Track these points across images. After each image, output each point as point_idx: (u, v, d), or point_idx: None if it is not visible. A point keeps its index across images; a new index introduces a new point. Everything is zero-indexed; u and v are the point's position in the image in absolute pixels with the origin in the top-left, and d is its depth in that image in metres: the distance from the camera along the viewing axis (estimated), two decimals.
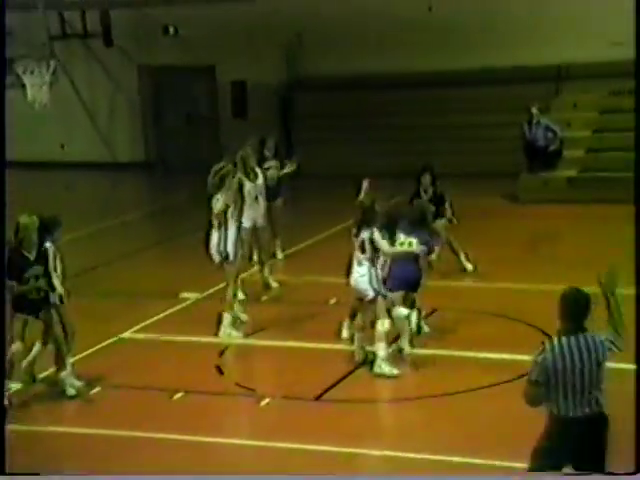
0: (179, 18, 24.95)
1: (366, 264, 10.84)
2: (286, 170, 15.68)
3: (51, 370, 10.84)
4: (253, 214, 13.74)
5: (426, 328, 11.79)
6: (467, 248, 14.56)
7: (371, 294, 10.85)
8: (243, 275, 13.58)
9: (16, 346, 10.52)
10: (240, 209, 12.56)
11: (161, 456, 9.28)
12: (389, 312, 10.97)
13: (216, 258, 12.30)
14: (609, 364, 6.77)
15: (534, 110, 20.01)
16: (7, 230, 10.34)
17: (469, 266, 14.53)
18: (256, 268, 14.53)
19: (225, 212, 12.16)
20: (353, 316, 11.43)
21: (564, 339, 6.63)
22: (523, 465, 8.39)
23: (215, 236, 12.22)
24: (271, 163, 15.38)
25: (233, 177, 12.51)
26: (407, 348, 11.16)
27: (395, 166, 19.88)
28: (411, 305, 11.34)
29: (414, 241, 11.22)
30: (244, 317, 12.62)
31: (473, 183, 20.11)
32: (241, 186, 13.10)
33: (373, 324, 10.93)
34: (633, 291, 8.54)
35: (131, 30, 25.72)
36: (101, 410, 10.36)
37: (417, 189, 14.03)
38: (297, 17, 23.91)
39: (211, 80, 25.94)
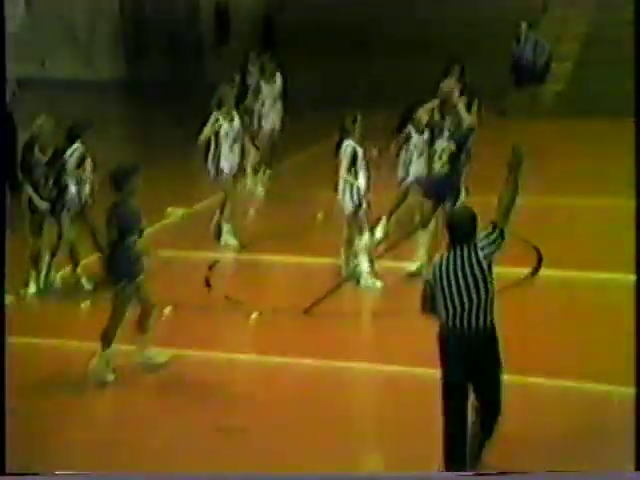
0: None
1: (344, 178, 10.79)
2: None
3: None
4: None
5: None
6: None
7: (350, 208, 10.82)
8: None
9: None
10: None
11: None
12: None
13: (212, 171, 12.39)
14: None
15: (523, 25, 19.89)
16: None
17: None
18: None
19: (218, 131, 12.22)
20: None
21: (446, 256, 6.73)
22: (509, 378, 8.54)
23: (211, 152, 12.35)
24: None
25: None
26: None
27: (379, 88, 19.75)
28: None
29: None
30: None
31: None
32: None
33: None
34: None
35: None
36: (90, 325, 10.33)
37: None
38: None
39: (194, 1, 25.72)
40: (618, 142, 16.91)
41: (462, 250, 6.68)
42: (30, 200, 10.77)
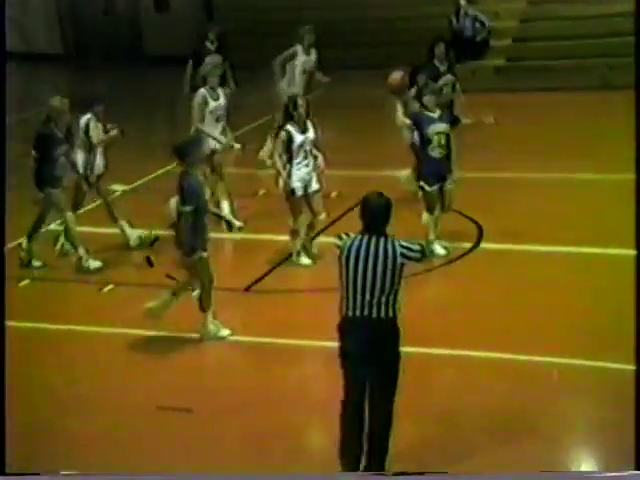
0: None
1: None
2: None
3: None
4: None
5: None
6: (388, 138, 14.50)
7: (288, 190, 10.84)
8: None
9: (70, 215, 11.16)
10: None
11: (93, 349, 9.31)
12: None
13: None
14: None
15: (462, 1, 20.01)
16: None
17: None
18: None
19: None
20: None
21: (357, 238, 6.58)
22: (455, 352, 8.68)
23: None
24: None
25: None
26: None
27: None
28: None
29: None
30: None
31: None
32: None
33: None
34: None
35: None
36: (29, 303, 10.28)
37: (430, 60, 13.33)
38: None
39: None
40: (558, 115, 17.20)
41: (376, 238, 6.53)
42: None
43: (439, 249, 10.87)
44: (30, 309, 10.06)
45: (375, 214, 6.59)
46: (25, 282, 10.81)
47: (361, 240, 6.56)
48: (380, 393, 6.66)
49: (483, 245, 11.25)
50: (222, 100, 12.33)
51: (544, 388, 8.09)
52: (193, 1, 24.69)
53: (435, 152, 10.64)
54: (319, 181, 10.84)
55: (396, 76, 12.12)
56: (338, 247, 6.62)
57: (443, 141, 10.64)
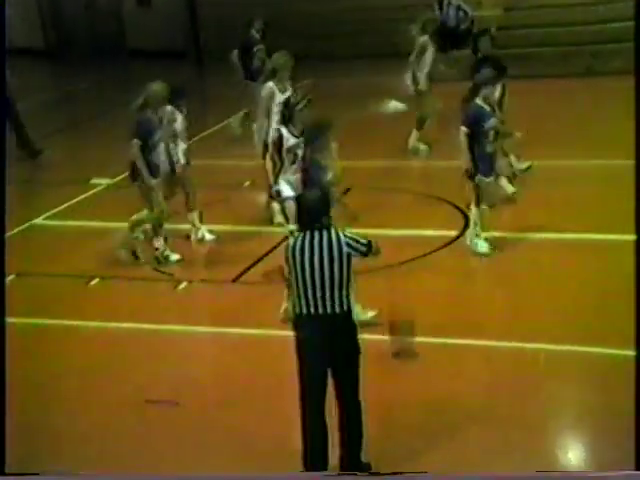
0: None
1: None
2: None
3: None
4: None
5: None
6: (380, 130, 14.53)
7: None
8: None
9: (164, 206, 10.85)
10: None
11: (80, 344, 9.24)
12: None
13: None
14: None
15: None
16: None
17: None
18: None
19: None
20: None
21: (300, 236, 6.50)
22: (437, 340, 8.65)
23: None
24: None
25: None
26: None
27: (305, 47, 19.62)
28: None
29: None
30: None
31: (385, 63, 19.97)
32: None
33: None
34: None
35: None
36: (15, 298, 10.17)
37: (475, 53, 13.18)
38: None
39: None
40: (542, 102, 17.19)
41: (319, 232, 6.44)
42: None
43: (482, 246, 10.68)
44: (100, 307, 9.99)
45: (311, 209, 6.53)
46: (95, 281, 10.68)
47: (304, 237, 6.48)
48: (346, 388, 6.58)
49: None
50: (289, 94, 11.77)
51: (546, 375, 8.08)
52: None
53: (489, 147, 10.52)
54: None
55: None
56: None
57: (494, 136, 10.53)
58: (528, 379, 8.02)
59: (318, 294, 6.41)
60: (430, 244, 10.86)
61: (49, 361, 8.89)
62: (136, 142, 10.49)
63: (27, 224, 12.14)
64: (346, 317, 6.49)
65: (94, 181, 13.88)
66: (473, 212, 10.64)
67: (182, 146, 11.28)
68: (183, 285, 10.32)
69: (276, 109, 11.48)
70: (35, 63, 25.23)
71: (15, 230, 11.89)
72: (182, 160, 11.23)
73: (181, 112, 11.27)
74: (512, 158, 12.44)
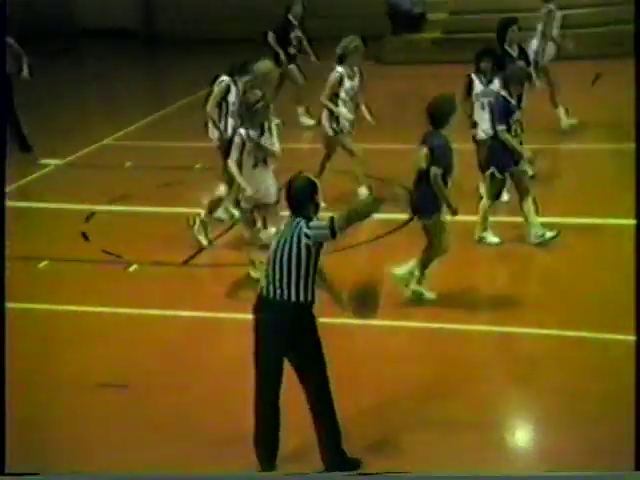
0: None
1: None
2: None
3: None
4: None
5: None
6: None
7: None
8: None
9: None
10: None
11: (29, 327, 9.14)
12: None
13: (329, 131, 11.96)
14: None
15: None
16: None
17: None
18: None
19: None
20: None
21: (287, 221, 6.59)
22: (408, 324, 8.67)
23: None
24: None
25: None
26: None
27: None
28: None
29: None
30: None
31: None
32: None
33: None
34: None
35: None
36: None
37: (501, 44, 12.40)
38: None
39: None
40: None
41: (294, 219, 6.48)
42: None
43: (492, 238, 10.61)
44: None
45: (292, 196, 6.55)
46: None
47: (286, 223, 6.57)
48: (311, 381, 6.57)
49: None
50: (357, 80, 11.85)
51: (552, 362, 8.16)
52: None
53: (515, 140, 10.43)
54: None
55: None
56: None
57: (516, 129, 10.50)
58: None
59: (277, 279, 6.44)
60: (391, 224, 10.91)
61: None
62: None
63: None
64: (304, 307, 6.50)
65: (43, 161, 13.73)
66: (482, 204, 10.58)
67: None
68: (134, 267, 10.25)
69: (344, 94, 11.67)
70: None
71: None
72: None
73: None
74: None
